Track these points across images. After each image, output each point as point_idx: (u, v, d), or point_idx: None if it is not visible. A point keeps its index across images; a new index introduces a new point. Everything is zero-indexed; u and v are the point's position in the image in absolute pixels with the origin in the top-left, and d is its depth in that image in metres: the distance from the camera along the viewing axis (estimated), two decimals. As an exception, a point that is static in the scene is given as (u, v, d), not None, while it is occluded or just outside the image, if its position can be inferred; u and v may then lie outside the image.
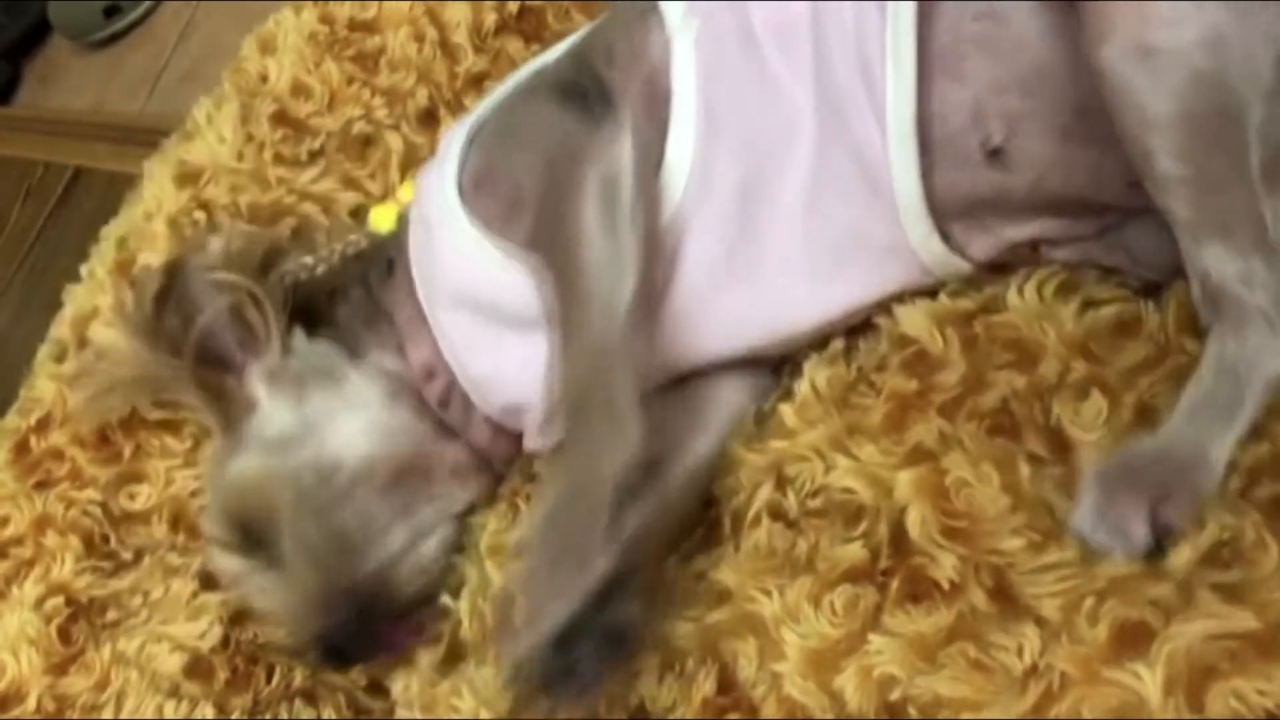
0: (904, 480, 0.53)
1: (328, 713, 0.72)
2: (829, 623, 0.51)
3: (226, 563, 0.69)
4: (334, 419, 0.68)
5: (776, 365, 0.64)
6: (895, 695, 0.48)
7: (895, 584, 0.51)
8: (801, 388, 0.60)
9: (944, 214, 0.58)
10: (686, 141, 0.60)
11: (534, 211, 0.61)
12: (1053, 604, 0.47)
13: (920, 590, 0.50)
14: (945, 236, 0.58)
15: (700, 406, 0.64)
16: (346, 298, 0.72)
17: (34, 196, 1.68)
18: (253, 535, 0.67)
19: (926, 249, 0.59)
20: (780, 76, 0.59)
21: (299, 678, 0.72)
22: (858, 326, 0.61)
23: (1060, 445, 0.52)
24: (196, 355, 0.68)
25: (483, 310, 0.65)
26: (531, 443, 0.68)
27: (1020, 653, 0.46)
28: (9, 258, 1.66)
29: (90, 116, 1.77)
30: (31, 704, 0.69)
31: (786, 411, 0.60)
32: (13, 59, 2.10)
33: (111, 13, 1.94)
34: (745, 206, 0.60)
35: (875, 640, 0.50)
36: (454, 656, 0.66)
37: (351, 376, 0.69)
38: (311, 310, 0.71)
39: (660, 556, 0.58)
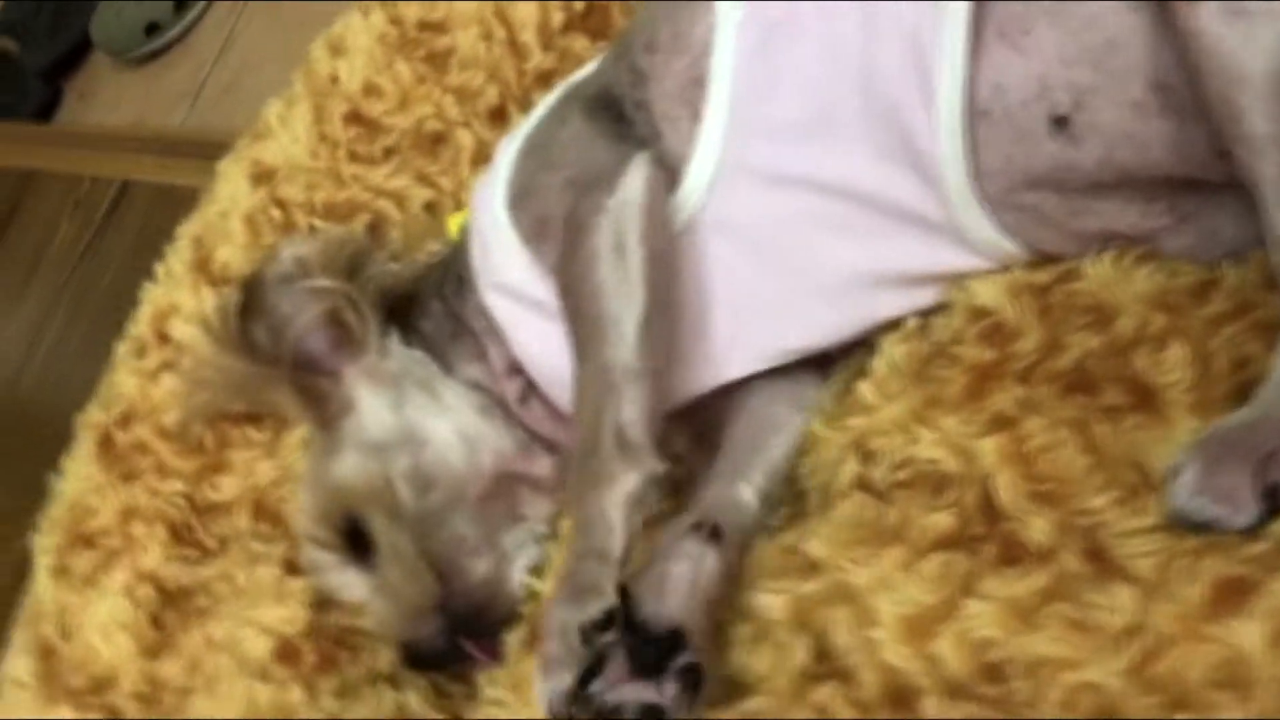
0: (987, 448, 0.55)
1: (411, 696, 0.73)
2: (923, 590, 0.53)
3: (322, 559, 0.71)
4: (430, 429, 0.70)
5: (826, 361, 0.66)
6: (993, 657, 0.50)
7: (987, 549, 0.52)
8: (879, 365, 0.61)
9: (999, 199, 0.57)
10: (716, 132, 0.62)
11: (557, 234, 0.63)
12: (1147, 563, 0.48)
13: (1013, 554, 0.51)
14: (1002, 227, 0.58)
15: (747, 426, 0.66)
16: (427, 310, 0.74)
17: (81, 210, 1.71)
18: (349, 536, 0.69)
19: (979, 235, 0.59)
20: (824, 61, 0.60)
21: (383, 661, 0.74)
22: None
23: (1141, 393, 0.52)
24: (292, 360, 0.70)
25: (541, 309, 0.66)
26: None
27: (1117, 612, 0.47)
28: (58, 271, 1.68)
29: (135, 130, 1.80)
30: (126, 687, 0.70)
31: (865, 388, 0.61)
32: (54, 78, 2.13)
33: (152, 30, 1.97)
34: (779, 196, 0.61)
35: (971, 605, 0.51)
36: (539, 636, 0.68)
37: (445, 387, 0.71)
38: (394, 314, 0.73)
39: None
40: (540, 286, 0.64)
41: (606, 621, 0.53)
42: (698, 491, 0.64)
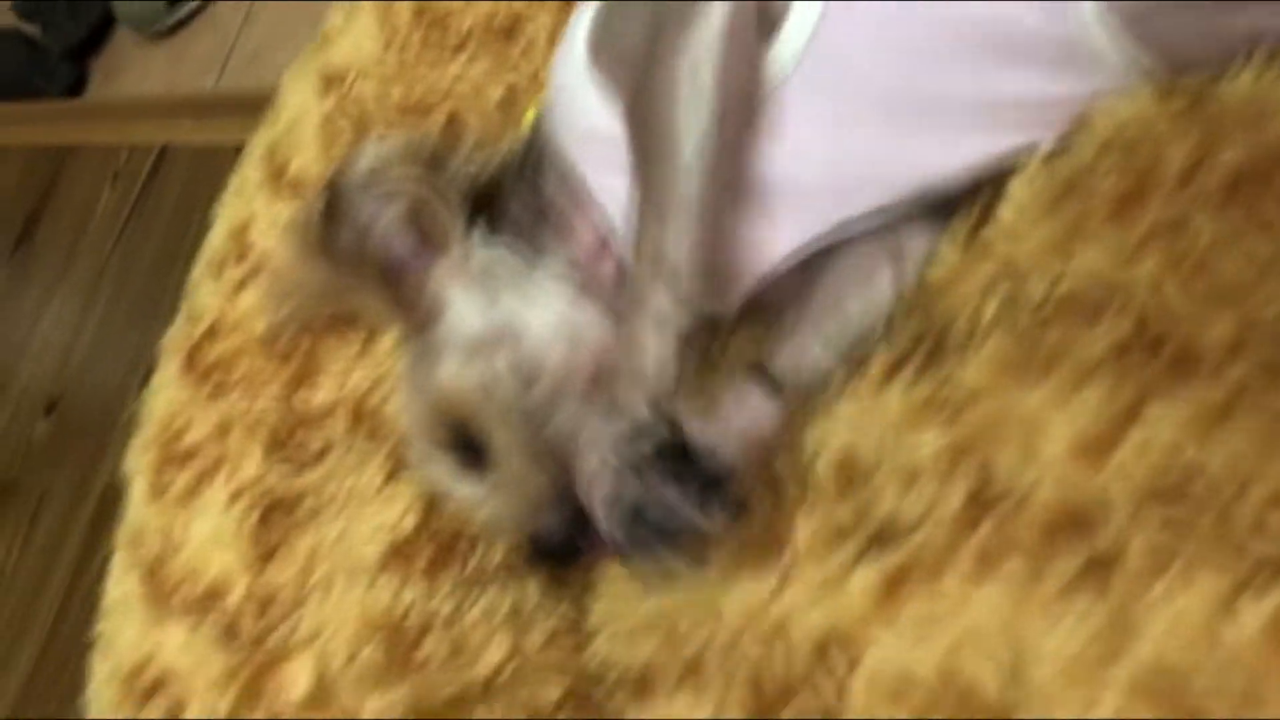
0: (1146, 262, 0.52)
1: (530, 588, 0.71)
2: (1095, 406, 0.50)
3: (433, 468, 0.69)
4: (526, 323, 0.67)
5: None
6: (1176, 470, 0.47)
7: (1160, 361, 0.49)
8: (1017, 192, 0.58)
9: (1133, 13, 0.54)
10: None
11: (635, 70, 0.61)
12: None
13: (1189, 363, 0.48)
14: (1138, 40, 0.55)
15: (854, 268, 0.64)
16: (510, 200, 0.71)
17: (121, 180, 1.69)
18: (458, 441, 0.67)
19: (1110, 51, 0.55)
20: None
21: (497, 558, 0.71)
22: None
23: None
24: (376, 264, 0.68)
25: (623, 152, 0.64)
26: None
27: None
28: (101, 242, 1.67)
29: (169, 95, 1.78)
30: (237, 596, 0.68)
31: (1005, 219, 0.58)
32: (79, 58, 2.12)
33: (174, 1, 1.95)
34: (886, 31, 0.59)
35: (1147, 418, 0.48)
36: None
37: (536, 276, 0.69)
38: (477, 209, 0.71)
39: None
40: (620, 127, 0.61)
41: (641, 436, 0.55)
42: (773, 335, 0.64)
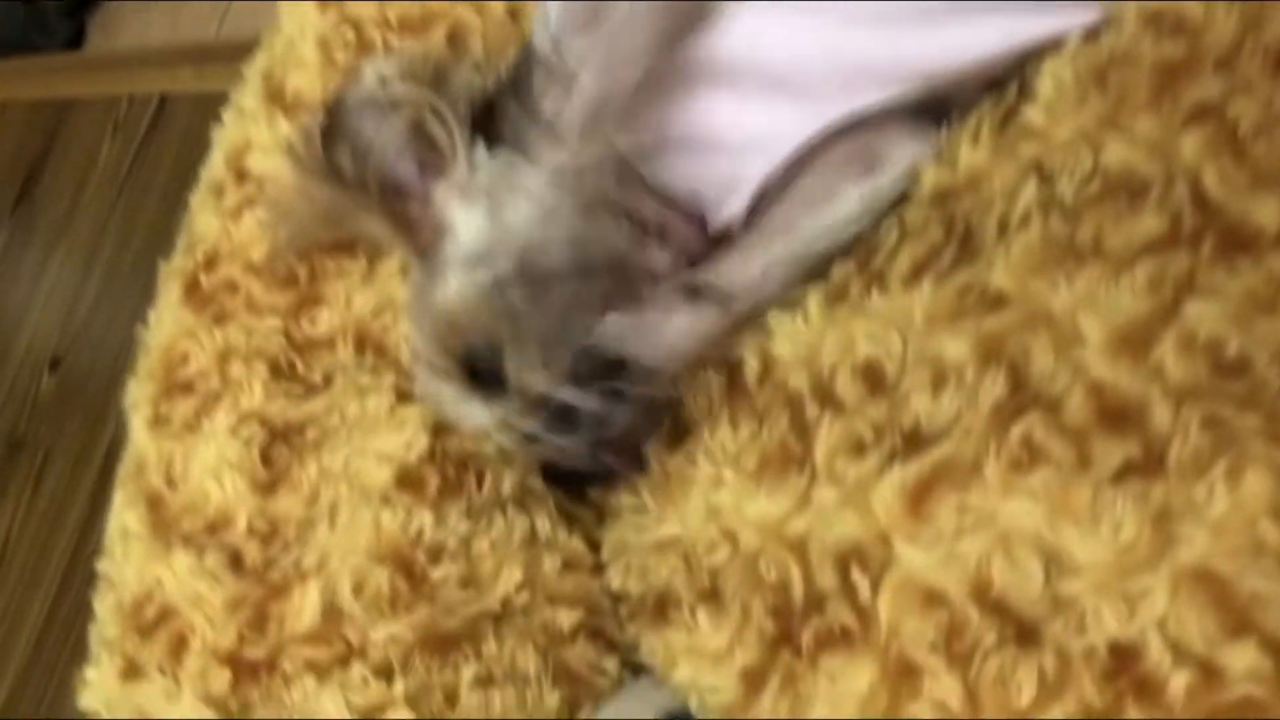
0: (1190, 142, 0.49)
1: (541, 519, 0.69)
2: (1135, 297, 0.47)
3: (443, 390, 0.67)
4: (530, 230, 0.65)
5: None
6: (1231, 353, 0.44)
7: (1208, 244, 0.47)
8: (1044, 87, 0.55)
9: None
10: None
11: None
12: None
13: (1241, 243, 0.46)
14: None
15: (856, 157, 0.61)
16: (506, 107, 0.68)
17: (122, 130, 1.67)
18: (469, 362, 0.65)
19: None
20: None
21: (508, 486, 0.69)
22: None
23: None
24: (379, 184, 0.65)
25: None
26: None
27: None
28: (103, 195, 1.65)
29: (169, 44, 1.75)
30: (242, 525, 0.66)
31: (1031, 113, 0.55)
32: (76, 14, 2.08)
33: (172, -48, 1.91)
34: None
35: (1195, 305, 0.46)
36: (680, 433, 0.63)
37: (537, 185, 0.66)
38: (478, 125, 0.68)
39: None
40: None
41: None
42: (716, 256, 0.62)
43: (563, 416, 0.56)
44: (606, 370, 0.56)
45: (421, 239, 0.67)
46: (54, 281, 1.67)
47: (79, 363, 1.58)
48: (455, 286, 0.65)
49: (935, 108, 0.61)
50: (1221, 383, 0.44)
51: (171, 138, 1.58)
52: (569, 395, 0.56)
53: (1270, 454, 0.42)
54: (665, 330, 0.58)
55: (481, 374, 0.65)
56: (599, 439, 0.55)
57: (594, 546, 0.70)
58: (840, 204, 0.61)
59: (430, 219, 0.67)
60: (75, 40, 2.07)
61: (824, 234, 0.61)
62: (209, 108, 1.06)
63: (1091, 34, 0.56)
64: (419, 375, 0.69)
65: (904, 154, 0.61)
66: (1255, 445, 0.42)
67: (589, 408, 0.55)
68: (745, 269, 0.61)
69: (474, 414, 0.67)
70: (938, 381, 0.52)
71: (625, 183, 0.66)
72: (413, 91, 0.65)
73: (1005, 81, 0.59)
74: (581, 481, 0.66)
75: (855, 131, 0.62)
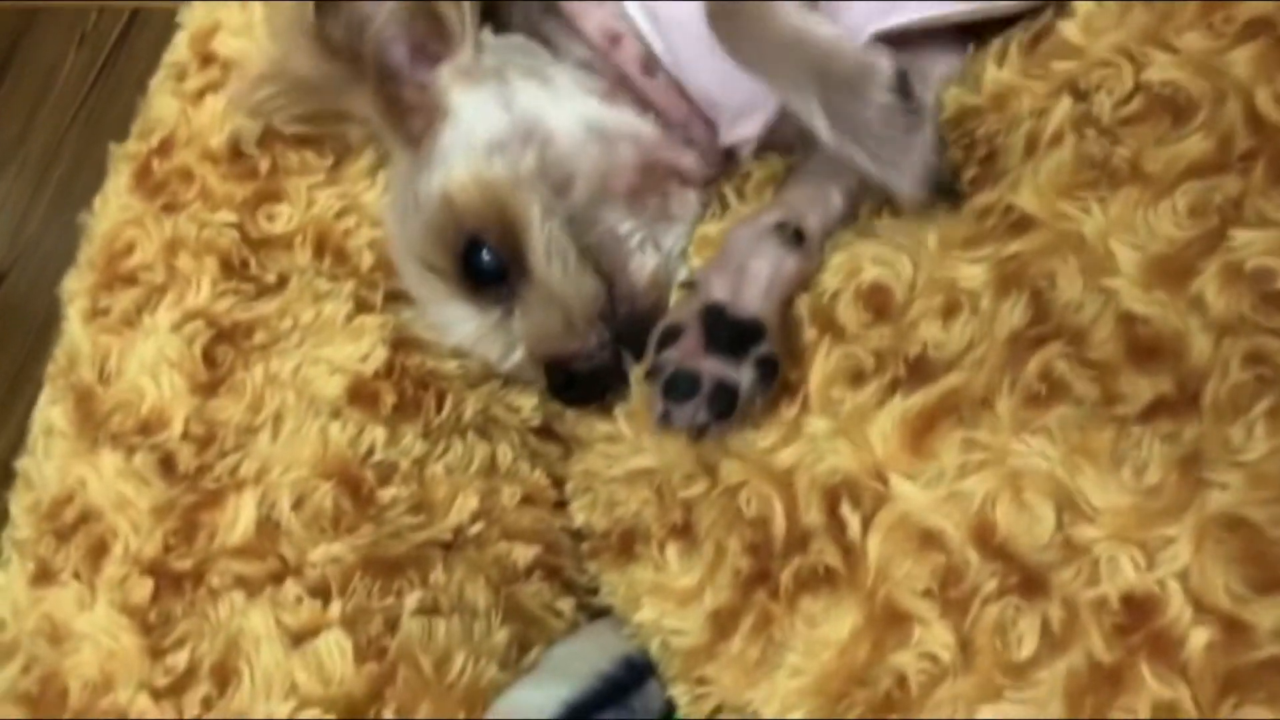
0: (1241, 59, 0.45)
1: (503, 448, 0.64)
2: (1175, 225, 0.43)
3: (429, 288, 0.62)
4: (553, 119, 0.60)
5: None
6: (1265, 300, 0.40)
7: (1260, 168, 0.42)
8: (1083, 3, 0.51)
9: None
10: None
11: None
12: None
13: (1288, 176, 0.42)
14: None
15: None
16: None
17: (88, 42, 1.59)
18: (469, 257, 0.59)
19: None
20: None
21: (470, 411, 0.64)
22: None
23: None
24: (374, 56, 0.60)
25: None
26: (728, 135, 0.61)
27: None
28: (65, 106, 1.57)
29: (145, -44, 1.68)
30: (178, 428, 0.61)
31: (1068, 29, 0.51)
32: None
33: None
34: None
35: (1241, 233, 0.42)
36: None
37: (557, 72, 0.61)
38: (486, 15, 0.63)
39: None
40: None
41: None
42: (786, 188, 0.58)
43: (686, 385, 0.50)
44: (739, 334, 0.51)
45: (415, 128, 0.62)
46: (3, 195, 1.60)
47: (24, 279, 1.50)
48: (463, 171, 0.59)
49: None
50: (1268, 317, 0.40)
51: (140, 54, 1.51)
52: (707, 366, 0.50)
53: (1319, 395, 0.38)
54: (766, 277, 0.53)
55: (482, 271, 0.60)
56: (727, 410, 0.50)
57: (558, 483, 0.65)
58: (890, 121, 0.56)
59: (428, 106, 0.62)
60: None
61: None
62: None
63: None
64: (406, 277, 0.63)
65: (941, 67, 0.56)
66: (1302, 386, 0.38)
67: (727, 376, 0.50)
68: (828, 202, 0.56)
69: (461, 318, 0.61)
70: (950, 307, 0.48)
71: (649, 74, 0.61)
72: None
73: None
74: (594, 387, 0.60)
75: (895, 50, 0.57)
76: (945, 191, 0.49)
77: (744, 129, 0.61)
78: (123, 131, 0.80)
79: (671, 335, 0.52)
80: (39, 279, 1.49)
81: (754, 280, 0.53)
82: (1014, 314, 0.45)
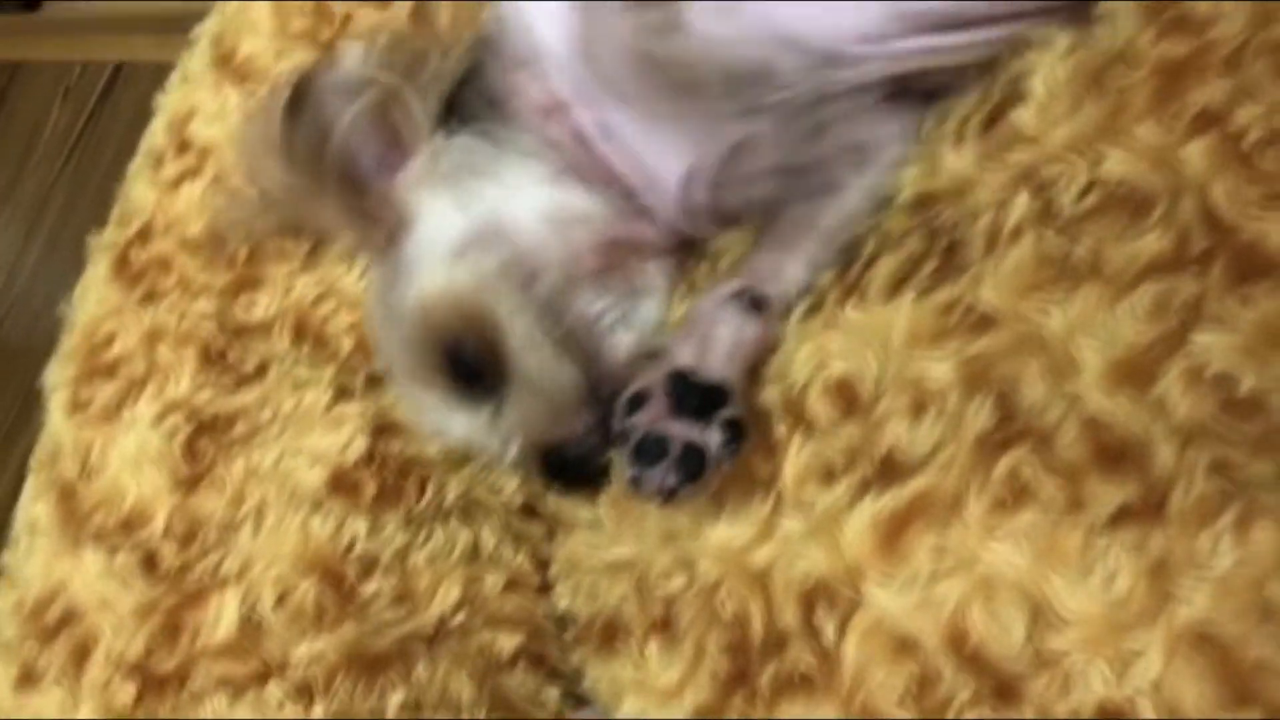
0: (1193, 153, 0.45)
1: (485, 533, 0.64)
2: (1135, 326, 0.43)
3: (424, 398, 0.62)
4: (510, 216, 0.61)
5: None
6: (1243, 390, 0.40)
7: (1219, 267, 0.43)
8: (1036, 87, 0.51)
9: None
10: None
11: None
12: None
13: (1254, 268, 0.42)
14: None
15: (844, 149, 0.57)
16: (465, 90, 0.64)
17: (73, 97, 1.60)
18: (452, 359, 0.60)
19: None
20: None
21: (452, 495, 0.65)
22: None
23: None
24: (338, 169, 0.60)
25: None
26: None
27: None
28: (50, 162, 1.58)
29: (127, 10, 1.68)
30: (159, 525, 0.61)
31: (1023, 117, 0.51)
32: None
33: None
34: None
35: (1202, 336, 0.42)
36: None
37: (505, 166, 0.62)
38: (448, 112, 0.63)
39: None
40: None
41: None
42: (747, 257, 0.59)
43: (654, 449, 0.51)
44: (705, 398, 0.52)
45: (382, 235, 0.63)
46: (-6, 246, 1.60)
47: (13, 336, 1.51)
48: (437, 278, 0.60)
49: (912, 94, 0.57)
50: (1231, 423, 0.40)
51: (124, 108, 1.52)
52: (675, 429, 0.51)
53: (1282, 506, 0.38)
54: (729, 344, 0.54)
55: (466, 374, 0.60)
56: (697, 473, 0.51)
57: (541, 565, 0.65)
58: (846, 197, 0.57)
59: (392, 212, 0.62)
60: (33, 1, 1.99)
61: (839, 229, 0.57)
62: (164, 79, 1.01)
63: (1085, 29, 0.52)
64: (395, 384, 0.64)
65: (891, 141, 0.57)
66: (1266, 495, 0.39)
67: (695, 438, 0.50)
68: (784, 271, 0.57)
69: (457, 420, 0.62)
70: (917, 406, 0.48)
71: (591, 143, 0.62)
72: (383, 76, 0.60)
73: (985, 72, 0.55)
74: (587, 471, 0.61)
75: (841, 123, 0.58)
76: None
77: (701, 189, 0.61)
78: (108, 184, 0.81)
79: (639, 401, 0.53)
80: (30, 334, 1.50)
81: (718, 346, 0.54)
82: (980, 416, 0.45)
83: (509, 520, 0.67)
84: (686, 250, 0.64)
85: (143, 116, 1.06)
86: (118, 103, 1.55)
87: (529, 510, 0.67)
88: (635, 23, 0.55)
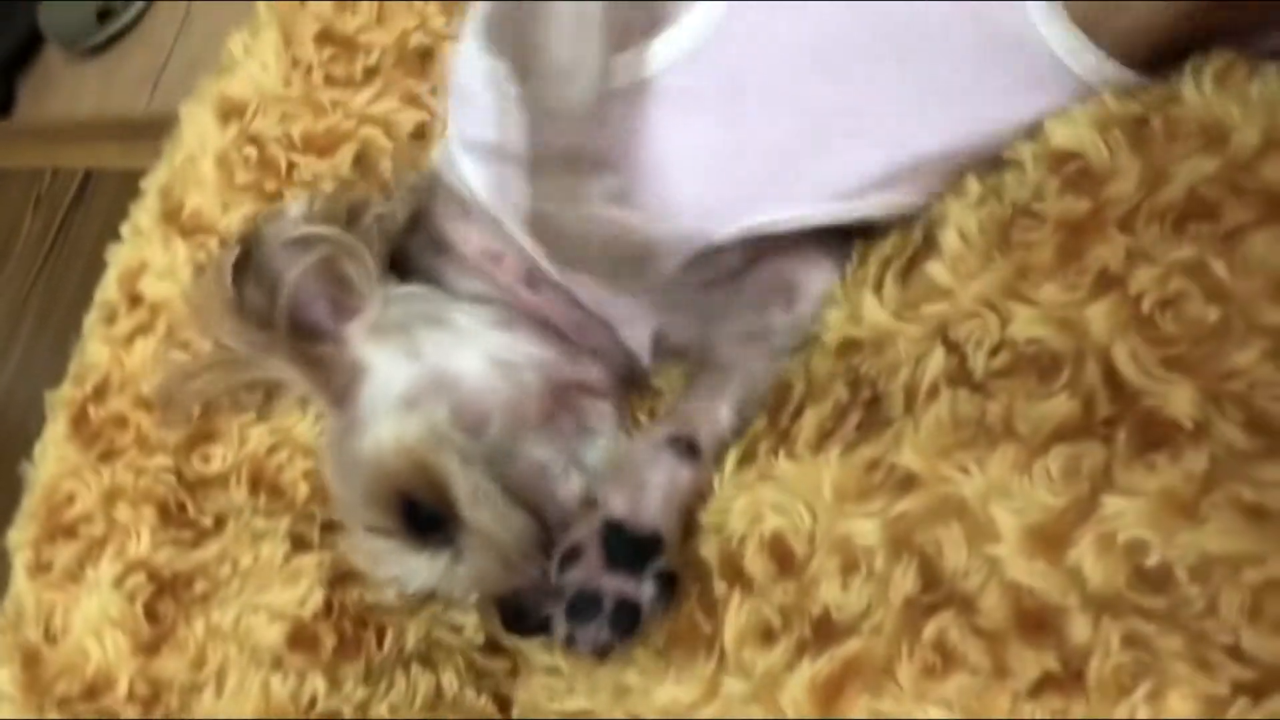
0: (1096, 315, 0.46)
1: (447, 676, 0.65)
2: (1048, 491, 0.44)
3: (381, 547, 0.63)
4: (458, 364, 0.62)
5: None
6: (1151, 561, 0.41)
7: (1123, 435, 0.44)
8: (948, 240, 0.53)
9: None
10: None
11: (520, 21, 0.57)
12: (1333, 428, 0.40)
13: (1157, 436, 0.43)
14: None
15: (770, 288, 0.60)
16: (413, 238, 0.65)
17: (44, 205, 1.62)
18: (407, 512, 0.61)
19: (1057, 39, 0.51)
20: None
21: (412, 639, 0.65)
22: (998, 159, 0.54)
23: (1273, 202, 0.44)
24: (289, 323, 0.61)
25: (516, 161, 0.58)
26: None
27: (1304, 490, 0.39)
28: (26, 268, 1.59)
29: (96, 118, 1.71)
30: (123, 690, 0.62)
31: (936, 270, 0.53)
32: (6, 75, 2.03)
33: (105, 16, 1.87)
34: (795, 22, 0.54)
35: (1112, 503, 0.43)
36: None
37: (454, 313, 0.63)
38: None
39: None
40: (513, 130, 0.55)
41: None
42: (679, 401, 0.60)
43: (588, 606, 0.53)
44: (639, 549, 0.53)
45: (337, 386, 0.64)
46: (-29, 355, 1.61)
47: (-2, 437, 1.52)
48: (387, 432, 0.61)
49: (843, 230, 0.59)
50: (1143, 596, 0.41)
51: (95, 214, 1.53)
52: (608, 585, 0.53)
53: (1194, 680, 0.39)
54: (663, 490, 0.55)
55: (422, 524, 0.61)
56: (631, 628, 0.52)
57: (504, 704, 0.66)
58: (775, 340, 0.59)
59: (345, 364, 0.63)
60: (6, 101, 2.01)
61: (768, 370, 0.59)
62: (133, 185, 1.03)
63: (995, 177, 0.54)
64: (352, 535, 0.65)
65: (822, 280, 0.59)
66: (1178, 668, 0.40)
67: (628, 593, 0.52)
68: (716, 415, 0.58)
69: (416, 570, 0.62)
70: (848, 566, 0.49)
71: (535, 287, 0.63)
72: (328, 232, 0.62)
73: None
74: (544, 620, 0.61)
75: (768, 259, 0.60)
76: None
77: (638, 330, 0.63)
78: (82, 290, 0.82)
79: (573, 556, 0.55)
80: (10, 439, 1.51)
81: (651, 493, 0.55)
82: (907, 579, 0.46)
83: (471, 658, 0.67)
84: (633, 388, 0.65)
85: (113, 222, 1.08)
86: (89, 209, 1.57)
87: (492, 646, 0.68)
88: (583, 191, 0.57)
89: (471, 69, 0.57)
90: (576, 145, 0.54)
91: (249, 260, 0.61)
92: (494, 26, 0.57)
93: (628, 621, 0.52)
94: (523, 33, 0.55)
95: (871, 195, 0.55)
